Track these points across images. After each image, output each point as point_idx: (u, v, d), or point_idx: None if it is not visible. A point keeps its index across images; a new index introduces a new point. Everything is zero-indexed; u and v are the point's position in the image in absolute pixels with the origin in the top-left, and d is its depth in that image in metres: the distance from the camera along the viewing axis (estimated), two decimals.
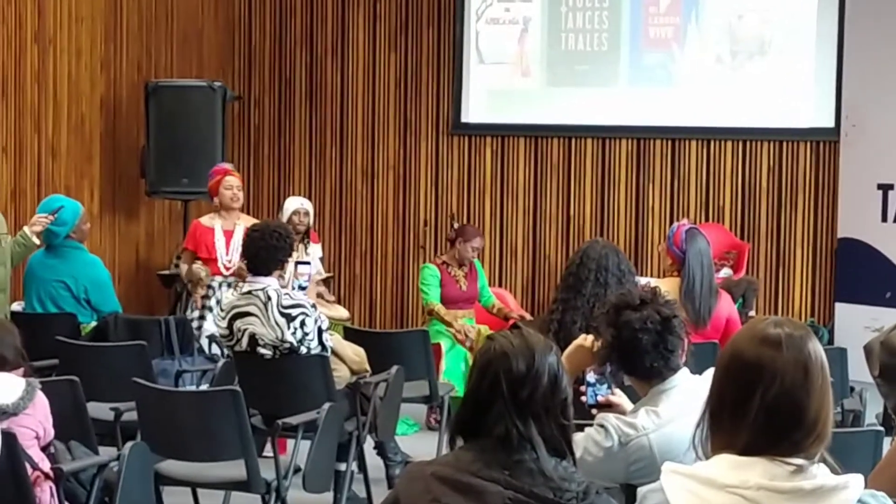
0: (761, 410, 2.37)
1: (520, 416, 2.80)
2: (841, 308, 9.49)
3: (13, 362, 4.35)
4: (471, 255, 8.02)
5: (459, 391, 7.55)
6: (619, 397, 3.87)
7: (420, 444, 7.18)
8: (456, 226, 10.00)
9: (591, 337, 3.82)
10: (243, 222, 7.40)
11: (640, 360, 3.64)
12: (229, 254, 7.39)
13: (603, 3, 10.06)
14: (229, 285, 7.21)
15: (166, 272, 9.56)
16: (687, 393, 3.55)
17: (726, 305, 6.20)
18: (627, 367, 3.72)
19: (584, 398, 3.79)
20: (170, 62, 9.82)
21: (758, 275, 9.71)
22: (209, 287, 7.37)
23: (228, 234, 7.43)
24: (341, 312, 8.14)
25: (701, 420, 2.49)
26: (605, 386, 3.89)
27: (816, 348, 2.47)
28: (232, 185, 7.48)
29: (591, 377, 3.86)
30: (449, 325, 7.83)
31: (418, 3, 10.37)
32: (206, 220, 7.59)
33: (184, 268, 7.62)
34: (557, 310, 5.19)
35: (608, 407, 3.83)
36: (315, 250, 8.34)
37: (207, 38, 10.38)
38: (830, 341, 9.28)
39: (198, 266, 7.36)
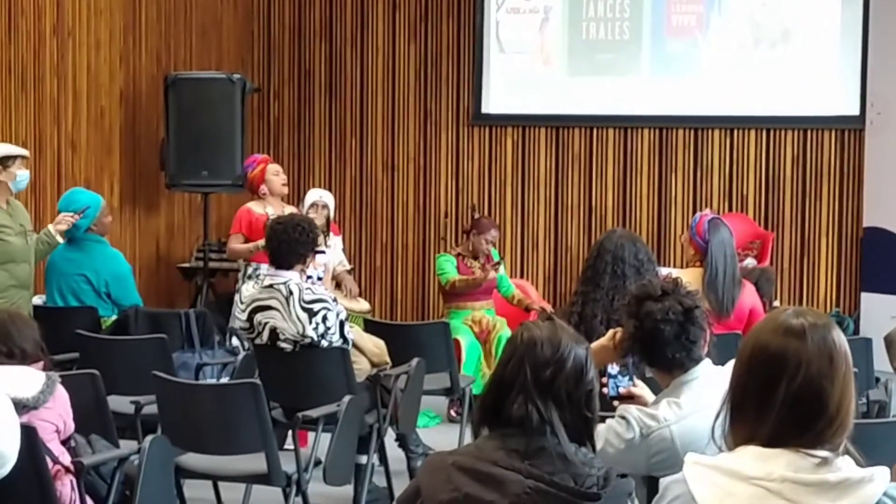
0: (786, 400, 2.35)
1: (541, 397, 2.81)
2: (867, 298, 9.41)
3: (33, 356, 4.33)
4: (485, 247, 7.99)
5: (477, 385, 7.53)
6: (641, 389, 3.84)
7: (442, 436, 7.15)
8: (476, 216, 10.00)
9: (617, 333, 3.78)
10: (289, 209, 7.43)
11: (662, 351, 3.61)
12: None
13: None
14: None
15: (186, 265, 9.57)
16: (709, 384, 3.51)
17: (750, 296, 6.14)
18: (649, 358, 3.69)
19: (605, 390, 3.76)
20: (189, 54, 9.80)
21: (782, 265, 9.65)
22: (257, 276, 7.25)
23: None
24: (362, 305, 8.11)
25: (721, 412, 2.47)
26: (627, 378, 3.86)
27: (839, 337, 2.45)
28: (278, 171, 7.60)
29: (612, 369, 3.83)
30: (473, 284, 7.82)
31: None
32: (256, 207, 7.54)
33: (237, 248, 7.49)
34: (577, 303, 5.17)
35: (630, 399, 3.80)
36: (336, 242, 8.31)
37: (227, 29, 10.36)
38: (856, 331, 9.21)
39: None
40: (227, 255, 8.00)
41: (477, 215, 9.71)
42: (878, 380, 6.24)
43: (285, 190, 7.59)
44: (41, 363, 4.35)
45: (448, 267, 7.95)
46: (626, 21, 9.99)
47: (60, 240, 6.66)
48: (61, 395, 4.23)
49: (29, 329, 4.36)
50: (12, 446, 3.86)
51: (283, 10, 10.65)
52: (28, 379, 4.15)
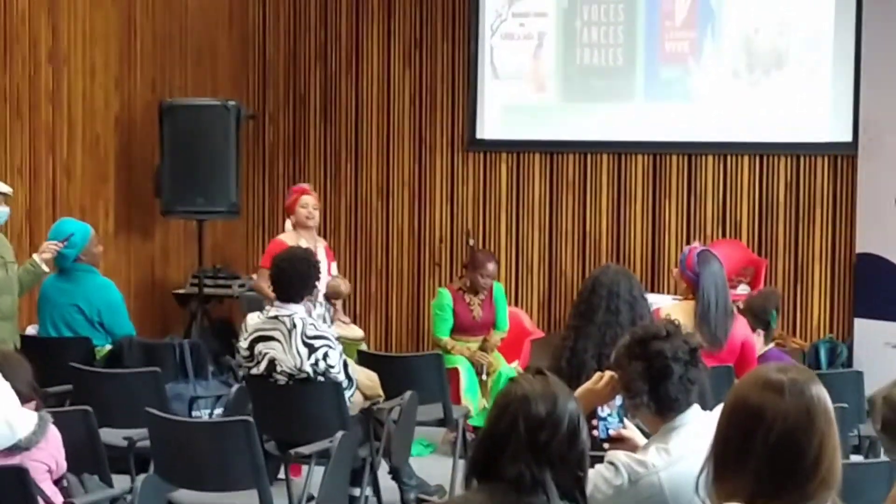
0: (763, 454, 2.38)
1: (535, 459, 2.80)
2: (860, 324, 9.42)
3: (27, 396, 4.35)
4: (482, 282, 7.91)
5: (475, 414, 7.54)
6: (632, 431, 3.85)
7: (435, 465, 7.16)
8: (471, 242, 10.02)
9: (606, 375, 3.78)
10: (321, 243, 7.42)
11: (667, 390, 3.62)
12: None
13: (618, 18, 10.02)
14: (321, 304, 7.23)
15: (181, 291, 9.58)
16: (698, 430, 3.52)
17: (742, 329, 6.18)
18: (654, 398, 3.67)
19: (595, 432, 3.77)
20: (184, 79, 9.82)
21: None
22: None
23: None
24: (356, 332, 8.11)
25: (705, 465, 2.49)
26: (617, 419, 3.87)
27: (820, 393, 2.49)
28: (307, 203, 7.50)
29: (602, 411, 3.84)
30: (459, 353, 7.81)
31: (432, 19, 10.35)
32: (288, 238, 7.50)
33: (261, 287, 7.36)
34: (570, 337, 5.16)
35: (620, 441, 3.80)
36: (331, 268, 8.32)
37: (222, 54, 10.38)
38: (849, 357, 9.23)
39: (340, 279, 7.43)
40: (252, 285, 7.89)
41: (472, 241, 9.76)
42: (869, 412, 6.27)
43: (310, 224, 7.48)
44: (33, 403, 4.37)
45: (442, 313, 7.87)
46: (619, 47, 10.03)
47: (46, 269, 6.68)
48: (53, 435, 4.24)
49: (22, 370, 4.38)
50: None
51: (279, 35, 10.68)
52: (20, 419, 4.16)
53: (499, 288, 8.07)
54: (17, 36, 7.98)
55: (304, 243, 7.30)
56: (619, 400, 3.85)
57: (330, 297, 7.32)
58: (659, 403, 3.64)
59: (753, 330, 6.41)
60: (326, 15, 10.56)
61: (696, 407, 3.67)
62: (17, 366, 4.38)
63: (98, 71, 8.79)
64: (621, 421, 3.88)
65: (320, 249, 7.40)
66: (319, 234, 7.98)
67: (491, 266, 8.02)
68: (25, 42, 8.07)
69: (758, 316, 6.51)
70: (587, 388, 3.78)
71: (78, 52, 8.57)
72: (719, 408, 3.32)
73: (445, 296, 7.95)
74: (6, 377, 4.27)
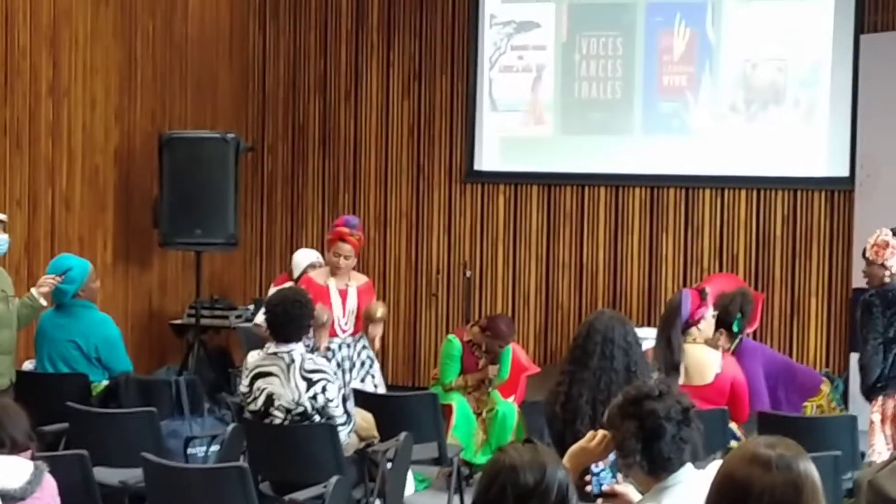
0: None
1: None
2: (856, 358, 9.42)
3: (22, 445, 4.35)
4: (496, 351, 7.90)
5: (469, 451, 7.55)
6: (625, 486, 3.86)
7: (431, 501, 7.17)
8: (468, 273, 10.04)
9: (599, 433, 3.80)
10: (355, 282, 7.37)
11: (659, 450, 3.64)
12: (345, 315, 7.27)
13: (617, 52, 10.07)
14: (348, 346, 7.24)
15: (179, 321, 9.60)
16: (691, 489, 3.53)
17: (731, 369, 6.22)
18: (646, 457, 3.69)
19: (588, 487, 3.78)
20: (184, 110, 9.86)
21: (772, 324, 9.69)
22: (328, 349, 7.18)
23: (343, 294, 7.31)
24: None
25: None
26: (611, 475, 3.88)
27: (808, 468, 2.51)
28: (341, 252, 7.27)
29: (595, 466, 3.85)
30: (469, 386, 7.82)
31: (431, 51, 10.40)
32: (318, 277, 7.43)
33: None
34: (564, 382, 5.17)
35: (613, 496, 3.82)
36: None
37: (221, 84, 10.42)
38: (845, 392, 9.22)
39: (320, 307, 7.07)
40: None
41: (469, 273, 9.77)
42: (863, 455, 6.28)
43: (339, 272, 7.31)
44: (29, 452, 4.37)
45: (451, 362, 7.86)
46: (618, 80, 10.08)
47: (44, 303, 6.69)
48: (49, 484, 4.24)
49: (20, 418, 4.38)
50: None
51: (278, 65, 10.72)
52: (16, 469, 4.17)
53: (508, 351, 8.03)
54: (18, 69, 8.01)
55: (333, 283, 7.30)
56: (612, 455, 3.86)
57: (366, 320, 7.26)
58: (652, 463, 3.66)
59: (716, 329, 6.42)
60: (326, 46, 10.61)
61: (688, 466, 3.68)
62: (14, 415, 4.38)
63: (98, 103, 8.82)
64: (614, 476, 3.89)
65: (352, 290, 7.31)
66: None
67: (510, 338, 7.97)
68: (26, 75, 8.10)
69: (720, 317, 6.51)
70: (580, 447, 3.80)
71: (78, 85, 8.60)
72: (712, 466, 3.34)
73: (456, 346, 7.88)
74: (5, 426, 4.27)
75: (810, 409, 6.78)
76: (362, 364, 7.30)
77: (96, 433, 5.88)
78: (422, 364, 10.22)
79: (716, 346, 6.44)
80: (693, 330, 6.24)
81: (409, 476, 6.86)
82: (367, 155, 10.53)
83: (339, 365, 7.14)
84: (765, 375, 6.72)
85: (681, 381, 6.08)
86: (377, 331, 7.28)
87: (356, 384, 7.14)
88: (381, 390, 7.28)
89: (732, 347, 6.59)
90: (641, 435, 3.62)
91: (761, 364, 6.70)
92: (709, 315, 6.35)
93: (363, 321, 7.25)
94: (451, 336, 8.14)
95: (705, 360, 6.17)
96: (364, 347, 7.32)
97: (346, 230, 7.31)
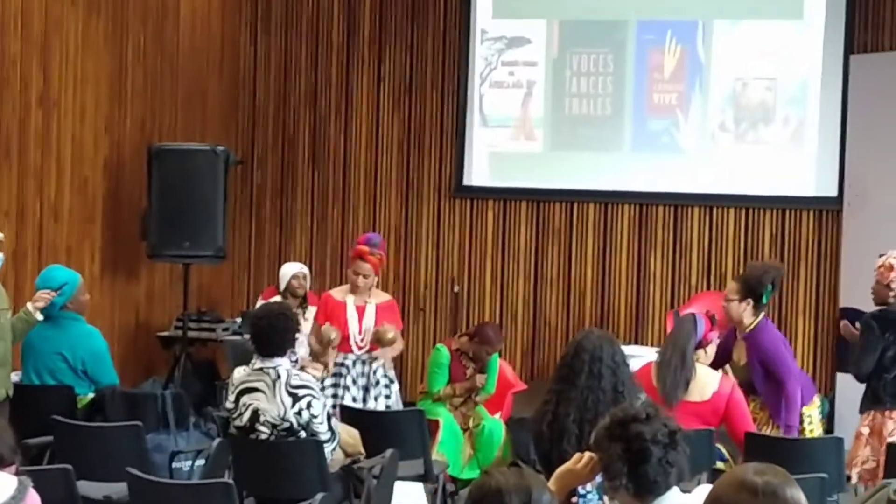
0: None
1: None
2: (842, 378, 9.43)
3: (7, 460, 4.33)
4: (484, 357, 7.92)
5: (453, 466, 7.55)
6: None
7: None
8: (456, 289, 10.04)
9: (586, 456, 3.80)
10: (374, 299, 7.36)
11: (646, 472, 3.63)
12: (362, 332, 7.26)
13: (607, 69, 10.09)
14: (363, 363, 7.22)
15: (166, 334, 9.58)
16: None
17: (725, 387, 6.21)
18: (633, 480, 3.69)
19: None
20: (174, 122, 9.85)
21: None
22: (342, 365, 7.22)
23: (361, 311, 7.31)
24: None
25: None
26: (597, 497, 3.89)
27: (794, 495, 2.52)
28: (360, 271, 7.27)
29: (582, 489, 3.85)
30: (456, 396, 7.82)
31: (422, 66, 10.41)
32: (337, 293, 7.43)
33: (312, 340, 7.39)
34: (551, 401, 5.16)
35: None
36: (314, 312, 8.32)
37: (212, 97, 10.42)
38: (831, 412, 9.25)
39: (327, 326, 7.17)
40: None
41: (457, 288, 9.78)
42: (849, 479, 6.29)
43: (358, 290, 7.29)
44: (13, 467, 4.35)
45: (440, 371, 7.86)
46: (608, 97, 10.10)
47: (40, 317, 6.66)
48: (33, 499, 4.22)
49: (5, 433, 4.36)
50: None
51: (269, 78, 10.72)
52: (0, 484, 4.15)
53: (495, 360, 8.05)
54: (8, 79, 7.99)
55: (351, 300, 7.30)
56: (599, 477, 3.86)
57: (375, 342, 7.26)
58: (638, 486, 3.65)
59: (743, 298, 6.42)
60: (317, 59, 10.62)
61: (675, 489, 3.68)
62: (1, 431, 4.36)
63: (88, 113, 8.81)
64: (601, 499, 3.90)
65: (370, 307, 7.30)
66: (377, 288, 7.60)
67: (497, 345, 8.01)
68: (16, 85, 8.08)
69: (750, 285, 6.48)
70: (566, 469, 3.80)
71: (68, 95, 8.59)
72: (697, 490, 3.34)
73: (444, 355, 7.92)
74: None
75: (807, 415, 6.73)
76: (377, 383, 7.29)
77: (81, 447, 5.85)
78: (409, 379, 10.20)
79: (739, 317, 6.45)
80: (700, 352, 6.28)
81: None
82: (356, 169, 10.54)
83: (353, 381, 7.16)
84: None
85: (680, 396, 6.08)
86: (386, 354, 7.27)
87: (370, 404, 7.14)
88: None
89: (755, 322, 6.53)
90: (628, 458, 3.61)
91: (781, 343, 6.65)
92: (715, 341, 6.42)
93: (373, 338, 7.24)
94: (439, 345, 8.17)
95: (706, 378, 6.18)
96: (382, 366, 7.32)
97: (366, 249, 7.30)
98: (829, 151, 9.66)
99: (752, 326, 6.49)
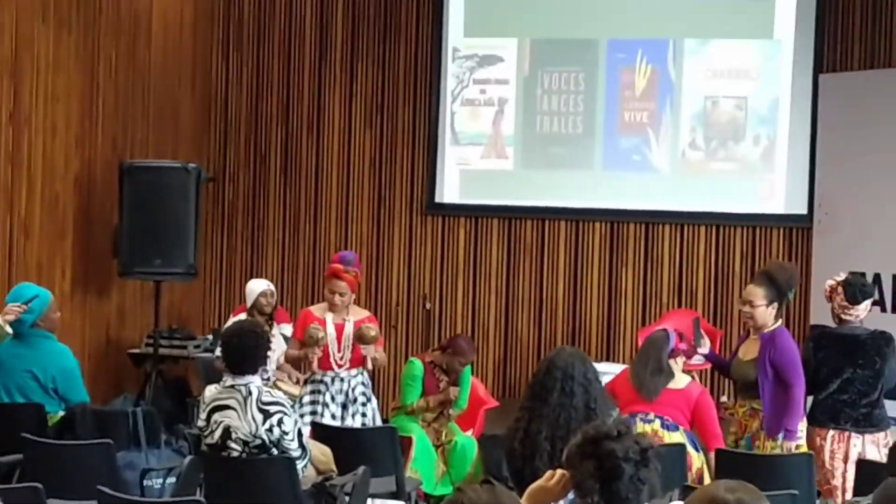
0: None
1: None
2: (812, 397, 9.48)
3: None
4: (458, 369, 7.94)
5: (427, 483, 7.55)
6: None
7: None
8: (428, 306, 10.05)
9: (558, 473, 3.81)
10: (353, 316, 7.37)
11: (617, 490, 3.65)
12: (341, 350, 7.29)
13: (578, 87, 10.14)
14: (342, 380, 7.22)
15: (137, 351, 9.55)
16: None
17: (697, 387, 6.42)
18: (604, 497, 3.71)
19: None
20: (145, 138, 9.83)
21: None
22: (321, 382, 7.25)
23: (340, 328, 7.33)
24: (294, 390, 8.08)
25: None
26: None
27: None
28: (336, 289, 7.30)
29: None
30: (430, 409, 7.82)
31: (394, 83, 10.43)
32: (317, 310, 7.45)
33: (290, 353, 7.48)
34: (523, 418, 5.17)
35: None
36: (285, 329, 8.32)
37: (184, 113, 10.40)
38: None
39: (315, 326, 7.18)
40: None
41: (429, 305, 9.79)
42: (819, 493, 6.32)
43: (336, 308, 7.32)
44: None
45: (413, 384, 7.85)
46: (579, 116, 10.15)
47: (9, 330, 6.63)
48: None
49: None
50: None
51: (241, 95, 10.72)
52: None
53: (468, 373, 8.06)
54: None
55: (330, 317, 7.32)
56: (571, 494, 3.87)
57: (357, 340, 7.27)
58: (610, 503, 3.67)
59: (770, 303, 6.43)
60: (289, 76, 10.63)
61: None
62: None
63: (59, 130, 8.78)
64: None
65: (349, 325, 7.31)
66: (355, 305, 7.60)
67: (470, 356, 8.03)
68: None
69: (780, 289, 6.51)
70: (539, 486, 3.80)
71: (39, 112, 8.56)
72: None
73: (418, 367, 7.91)
74: None
75: None
76: (355, 400, 7.30)
77: (51, 465, 5.82)
78: (381, 396, 10.16)
79: (765, 322, 6.49)
80: (671, 362, 6.44)
81: None
82: (328, 186, 10.54)
83: (332, 398, 7.17)
84: None
85: (660, 388, 6.40)
86: (370, 351, 7.29)
87: (348, 421, 7.15)
88: None
89: (777, 325, 6.56)
90: (600, 475, 3.63)
91: (796, 350, 6.68)
92: (682, 353, 6.62)
93: (356, 342, 7.26)
94: (412, 358, 8.18)
95: (680, 376, 6.52)
96: (361, 384, 7.33)
97: (340, 267, 7.33)
98: (799, 170, 9.73)
99: (773, 328, 6.51)
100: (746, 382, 6.52)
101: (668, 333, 6.59)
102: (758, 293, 6.48)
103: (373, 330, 7.30)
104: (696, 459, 6.37)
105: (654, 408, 6.42)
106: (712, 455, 6.29)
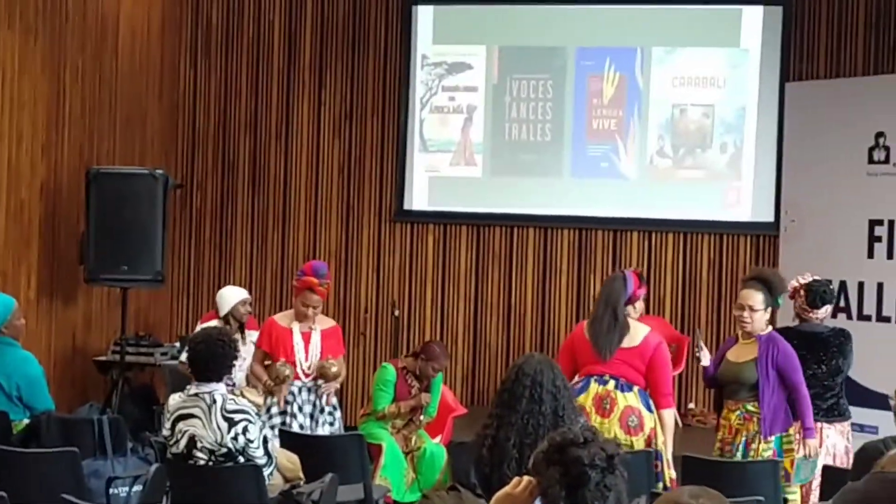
0: None
1: None
2: None
3: None
4: (431, 374, 7.91)
5: (396, 490, 7.53)
6: None
7: None
8: (396, 313, 10.04)
9: (524, 479, 3.80)
10: (319, 325, 7.33)
11: (584, 497, 3.64)
12: (308, 360, 7.24)
13: (547, 95, 10.16)
14: (309, 390, 7.19)
15: (103, 358, 9.49)
16: None
17: (654, 338, 6.40)
18: None
19: None
20: (112, 146, 9.78)
21: (697, 368, 9.72)
22: (290, 392, 7.18)
23: (307, 337, 7.28)
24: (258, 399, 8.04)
25: None
26: None
27: None
28: (309, 303, 7.23)
29: None
30: (401, 415, 7.80)
31: (363, 90, 10.42)
32: (282, 319, 7.38)
33: (255, 368, 7.36)
34: (492, 425, 5.16)
35: None
36: (255, 337, 8.28)
37: (151, 121, 10.36)
38: None
39: (282, 363, 7.14)
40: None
41: (397, 312, 9.77)
42: (786, 500, 6.34)
43: (306, 319, 7.28)
44: None
45: (386, 388, 7.82)
46: (548, 123, 10.17)
47: None
48: None
49: None
50: None
51: (209, 103, 10.69)
52: None
53: (439, 380, 8.04)
54: None
55: (297, 327, 7.28)
56: (538, 501, 3.87)
57: (320, 375, 7.25)
58: None
59: (767, 306, 6.41)
60: (257, 84, 10.60)
61: None
62: None
63: (25, 137, 8.72)
64: None
65: (315, 334, 7.28)
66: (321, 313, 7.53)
67: (444, 361, 8.00)
68: None
69: (775, 292, 6.48)
70: (505, 493, 3.79)
71: (4, 119, 8.50)
72: None
73: (391, 372, 7.87)
74: None
75: None
76: (322, 410, 7.28)
77: (16, 473, 5.76)
78: (349, 403, 10.17)
79: (762, 326, 6.45)
80: (629, 308, 6.41)
81: None
82: (296, 193, 10.52)
83: (300, 408, 7.14)
84: None
85: (615, 347, 6.34)
86: (330, 388, 7.27)
87: (317, 430, 7.12)
88: None
89: (769, 329, 6.56)
90: (566, 482, 3.62)
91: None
92: (642, 297, 6.61)
93: (318, 372, 7.24)
94: (385, 363, 8.13)
95: (636, 329, 6.41)
96: (326, 395, 7.30)
97: (315, 281, 7.25)
98: (766, 177, 9.79)
99: (767, 331, 6.51)
100: (741, 385, 6.45)
101: (625, 277, 6.48)
102: (757, 298, 6.43)
103: (335, 366, 7.26)
104: (649, 419, 6.37)
105: (609, 367, 6.38)
106: (663, 412, 6.33)
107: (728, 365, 6.58)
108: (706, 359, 6.69)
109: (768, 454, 6.32)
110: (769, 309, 6.51)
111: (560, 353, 6.85)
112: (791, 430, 6.44)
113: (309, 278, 7.27)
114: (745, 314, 6.45)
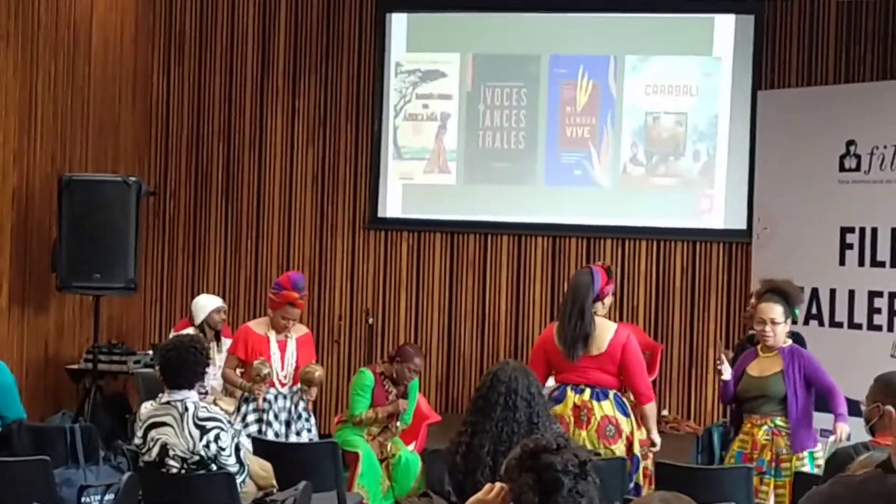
0: None
1: None
2: None
3: None
4: (408, 376, 7.91)
5: (373, 498, 7.53)
6: None
7: None
8: (370, 321, 10.03)
9: (497, 486, 3.80)
10: (294, 333, 7.34)
11: (556, 503, 3.65)
12: (284, 368, 7.24)
13: (521, 102, 10.18)
14: (284, 397, 7.18)
15: (75, 366, 9.44)
16: None
17: (622, 336, 6.43)
18: None
19: None
20: (85, 153, 9.74)
21: (671, 375, 9.80)
22: (265, 401, 7.16)
23: (282, 345, 7.29)
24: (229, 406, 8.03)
25: None
26: None
27: None
28: (290, 316, 7.25)
29: None
30: (378, 420, 7.79)
31: (336, 98, 10.42)
32: (258, 327, 7.37)
33: (228, 373, 7.38)
34: (466, 432, 5.16)
35: None
36: (228, 345, 8.26)
37: (124, 128, 10.32)
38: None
39: (261, 361, 7.12)
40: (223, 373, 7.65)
41: (371, 320, 9.76)
42: None
43: (286, 328, 7.29)
44: None
45: (364, 393, 7.81)
46: (521, 131, 10.19)
47: None
48: None
49: None
50: None
51: (182, 109, 10.66)
52: None
53: (415, 382, 8.04)
54: None
55: (273, 335, 7.28)
56: None
57: (303, 383, 7.25)
58: None
59: (786, 318, 6.36)
60: (231, 91, 10.58)
61: None
62: None
63: None
64: None
65: (291, 342, 7.29)
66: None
67: (419, 360, 7.99)
68: None
69: (792, 304, 6.45)
70: (477, 499, 3.79)
71: None
72: None
73: (369, 377, 7.87)
74: None
75: None
76: (299, 417, 7.27)
77: None
78: (323, 411, 10.16)
79: (784, 338, 6.41)
80: (598, 304, 6.40)
81: None
82: (270, 201, 10.50)
83: (275, 416, 7.13)
84: None
85: (580, 352, 6.37)
86: (312, 394, 7.30)
87: (292, 438, 7.11)
88: None
89: (789, 341, 6.53)
90: (538, 488, 3.63)
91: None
92: (611, 292, 6.60)
93: (300, 380, 7.22)
94: (363, 368, 8.13)
95: (603, 330, 6.42)
96: (303, 399, 7.29)
97: (296, 295, 7.26)
98: (738, 185, 9.83)
99: (788, 343, 6.46)
100: (768, 399, 6.36)
101: (593, 273, 6.48)
102: (778, 311, 6.35)
103: (317, 371, 7.27)
104: (626, 424, 6.39)
105: (584, 375, 6.40)
106: (644, 408, 6.38)
107: (751, 380, 6.46)
108: (727, 373, 6.56)
109: (805, 470, 6.23)
110: (789, 320, 6.45)
111: (532, 353, 6.88)
112: (819, 447, 6.39)
113: (289, 293, 7.25)
114: (767, 328, 6.36)
